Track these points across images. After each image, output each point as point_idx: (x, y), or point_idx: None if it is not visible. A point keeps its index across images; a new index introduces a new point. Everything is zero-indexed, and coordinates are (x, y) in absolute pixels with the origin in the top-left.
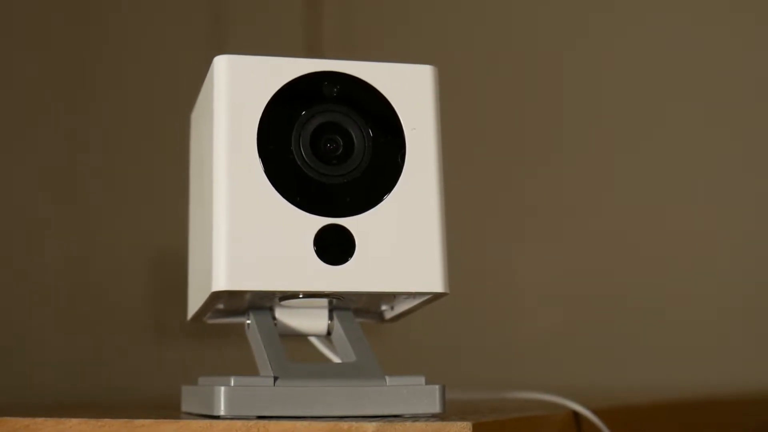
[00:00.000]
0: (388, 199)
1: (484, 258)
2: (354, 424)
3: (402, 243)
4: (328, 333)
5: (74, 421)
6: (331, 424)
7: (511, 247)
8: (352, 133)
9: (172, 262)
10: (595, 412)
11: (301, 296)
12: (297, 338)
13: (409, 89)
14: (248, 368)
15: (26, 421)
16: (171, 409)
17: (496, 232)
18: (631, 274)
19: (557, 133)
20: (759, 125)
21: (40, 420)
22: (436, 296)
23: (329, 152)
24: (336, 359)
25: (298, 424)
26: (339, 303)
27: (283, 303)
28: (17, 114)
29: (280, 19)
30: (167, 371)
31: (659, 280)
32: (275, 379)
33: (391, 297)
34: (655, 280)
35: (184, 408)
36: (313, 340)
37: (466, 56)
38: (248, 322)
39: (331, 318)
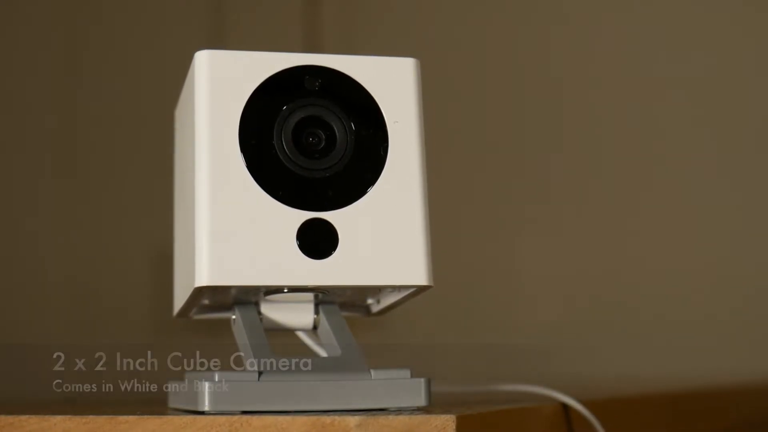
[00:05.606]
0: (371, 193)
1: (479, 251)
2: (337, 418)
3: (385, 236)
4: (314, 327)
5: (58, 417)
6: (313, 418)
7: (508, 240)
8: (334, 127)
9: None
10: (584, 403)
11: (285, 291)
12: (284, 332)
13: (391, 82)
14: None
15: (10, 419)
16: (161, 406)
17: (492, 226)
18: (628, 270)
19: (557, 129)
20: (760, 126)
21: (24, 417)
22: (420, 289)
23: (311, 146)
24: (322, 353)
25: (281, 418)
26: (324, 297)
27: (268, 298)
28: (16, 113)
29: (280, 17)
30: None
31: (656, 276)
32: (260, 374)
33: (377, 290)
34: (651, 275)
35: (171, 404)
36: (300, 334)
37: (466, 50)
38: (233, 317)
39: (316, 312)
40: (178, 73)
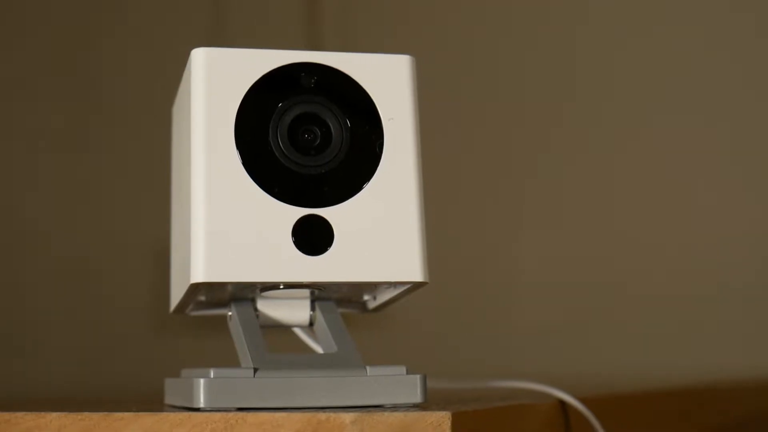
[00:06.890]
0: (366, 189)
1: (476, 247)
2: (332, 414)
3: (381, 233)
4: (311, 324)
5: (54, 414)
6: (309, 414)
7: (505, 237)
8: (330, 124)
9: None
10: (581, 400)
11: (281, 287)
12: (280, 329)
13: (386, 79)
14: None
15: (6, 415)
16: (158, 402)
17: (490, 223)
18: (628, 265)
19: (556, 123)
20: (760, 122)
21: (20, 414)
22: (416, 285)
23: (307, 143)
24: (319, 350)
25: (276, 415)
26: (321, 293)
27: (264, 294)
28: (17, 113)
29: (279, 15)
30: (170, 365)
31: (655, 271)
32: (255, 370)
33: (373, 287)
34: (651, 271)
35: (167, 400)
36: (296, 330)
37: (462, 47)
38: (230, 313)
39: (313, 309)
40: (176, 70)
